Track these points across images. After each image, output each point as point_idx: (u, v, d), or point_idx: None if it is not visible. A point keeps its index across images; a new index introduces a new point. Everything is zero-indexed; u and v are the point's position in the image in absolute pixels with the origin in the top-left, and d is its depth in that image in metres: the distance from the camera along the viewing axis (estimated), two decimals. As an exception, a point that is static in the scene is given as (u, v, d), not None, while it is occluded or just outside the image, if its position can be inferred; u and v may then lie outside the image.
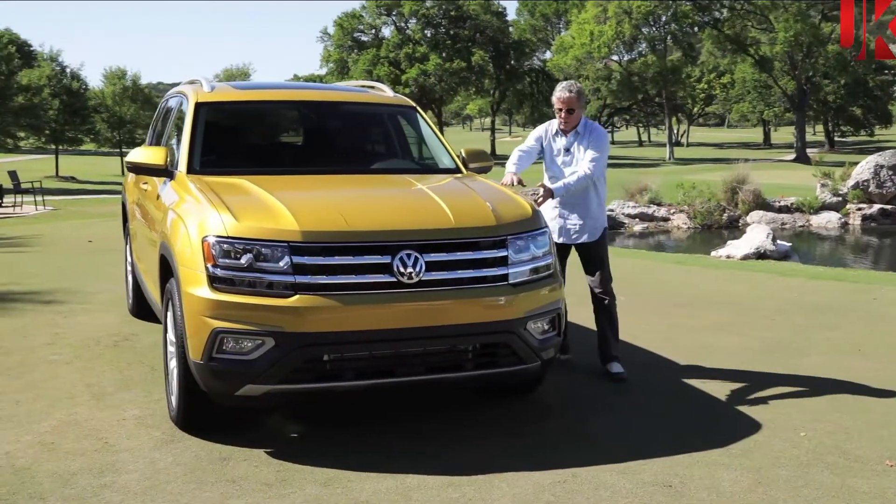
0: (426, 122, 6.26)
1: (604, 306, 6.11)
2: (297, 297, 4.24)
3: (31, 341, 6.78)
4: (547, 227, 5.09)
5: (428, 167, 6.07)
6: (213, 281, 4.29)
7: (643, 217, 23.66)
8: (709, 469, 4.39)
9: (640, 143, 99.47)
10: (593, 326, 6.28)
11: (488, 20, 68.52)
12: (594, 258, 6.11)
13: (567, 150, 6.01)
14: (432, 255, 4.47)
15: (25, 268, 11.11)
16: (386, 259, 4.37)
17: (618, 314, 6.18)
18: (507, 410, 5.33)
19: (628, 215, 23.86)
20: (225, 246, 4.30)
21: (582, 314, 6.85)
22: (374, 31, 70.72)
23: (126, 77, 52.90)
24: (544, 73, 76.36)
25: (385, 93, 6.54)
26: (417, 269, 4.40)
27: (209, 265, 4.30)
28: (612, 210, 24.04)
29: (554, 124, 6.10)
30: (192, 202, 4.74)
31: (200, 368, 4.35)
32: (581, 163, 5.91)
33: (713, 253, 13.58)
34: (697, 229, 22.69)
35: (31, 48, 58.35)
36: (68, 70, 51.71)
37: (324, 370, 4.39)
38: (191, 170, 5.33)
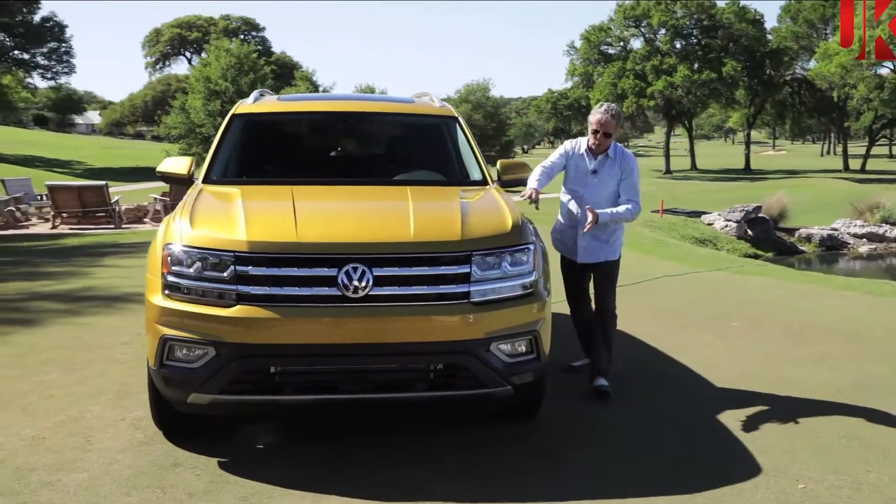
0: (465, 133, 6.09)
1: (606, 323, 5.94)
2: (238, 307, 4.25)
3: (114, 339, 7.29)
4: (530, 243, 4.70)
5: (454, 179, 5.84)
6: (166, 288, 4.40)
7: (872, 237, 21.50)
8: (655, 515, 3.95)
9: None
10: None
11: (743, 28, 65.15)
12: (609, 275, 5.92)
13: (595, 172, 5.77)
14: (384, 269, 4.30)
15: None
16: (332, 272, 4.26)
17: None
18: (479, 434, 5.04)
19: (854, 235, 21.80)
20: (179, 254, 4.39)
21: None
22: (622, 43, 69.65)
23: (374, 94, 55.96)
24: (806, 83, 71.39)
25: (432, 103, 6.47)
26: (364, 283, 4.25)
27: (165, 272, 4.42)
28: (835, 229, 22.12)
29: (582, 143, 5.88)
30: (177, 211, 4.93)
31: (155, 375, 4.49)
32: (625, 195, 5.77)
33: (900, 279, 12.03)
34: (940, 253, 20.25)
35: (299, 67, 63.41)
36: (321, 89, 55.58)
37: (266, 382, 4.36)
38: (207, 179, 5.53)
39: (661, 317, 8.44)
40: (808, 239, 21.71)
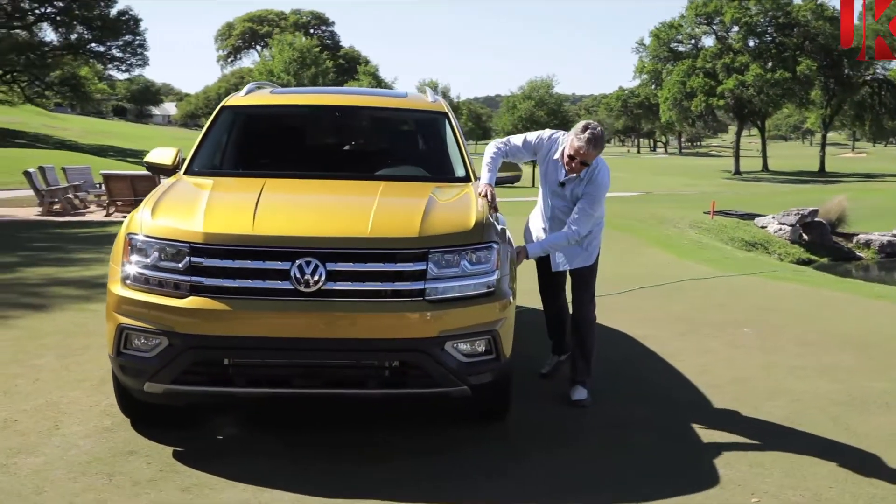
0: (453, 130, 6.01)
1: (579, 328, 5.68)
2: (191, 298, 4.28)
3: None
4: (493, 242, 4.60)
5: (437, 175, 5.75)
6: (125, 278, 4.46)
7: (935, 245, 20.67)
8: (589, 523, 3.86)
9: None
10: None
11: (820, 26, 63.40)
12: (583, 280, 5.68)
13: (562, 185, 5.48)
14: (338, 264, 4.28)
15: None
16: (285, 265, 4.26)
17: (596, 340, 5.74)
18: (443, 434, 4.99)
19: (916, 242, 20.98)
20: (138, 244, 4.44)
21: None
22: (692, 40, 68.39)
23: (436, 90, 56.13)
24: (887, 83, 69.11)
25: (425, 98, 6.41)
26: (316, 277, 4.24)
27: (124, 261, 4.48)
28: (896, 235, 21.32)
29: (559, 145, 5.45)
30: (144, 201, 4.93)
31: (113, 362, 4.56)
32: (570, 218, 5.41)
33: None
34: None
35: (365, 62, 64.21)
36: (383, 84, 55.80)
37: (219, 374, 4.38)
38: (188, 170, 5.57)
39: (671, 320, 8.24)
40: (867, 245, 21.00)
